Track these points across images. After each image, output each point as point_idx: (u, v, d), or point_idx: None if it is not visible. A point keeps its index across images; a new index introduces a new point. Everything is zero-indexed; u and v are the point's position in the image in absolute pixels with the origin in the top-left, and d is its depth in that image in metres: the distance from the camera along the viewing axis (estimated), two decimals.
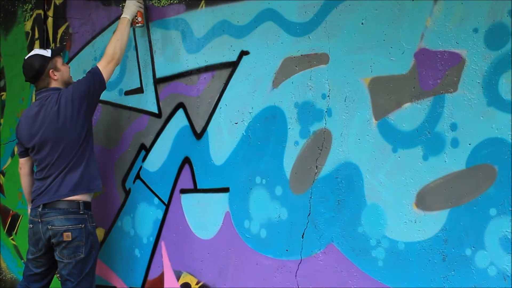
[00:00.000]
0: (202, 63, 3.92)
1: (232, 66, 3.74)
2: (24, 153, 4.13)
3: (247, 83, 3.66)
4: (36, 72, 3.90)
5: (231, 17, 3.75)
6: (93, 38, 4.70)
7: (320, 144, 3.31)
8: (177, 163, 4.07)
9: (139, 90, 4.35)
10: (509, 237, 2.66)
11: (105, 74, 3.96)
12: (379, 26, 3.09)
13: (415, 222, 2.96)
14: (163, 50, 4.18)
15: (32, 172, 4.18)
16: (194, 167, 3.97)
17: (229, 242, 3.76)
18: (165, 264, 4.19)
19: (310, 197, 3.35)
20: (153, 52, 4.24)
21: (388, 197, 3.05)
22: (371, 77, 3.12)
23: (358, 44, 3.17)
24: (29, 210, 4.09)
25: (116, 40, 4.00)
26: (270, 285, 3.55)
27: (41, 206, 3.87)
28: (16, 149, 5.60)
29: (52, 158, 3.87)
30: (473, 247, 2.77)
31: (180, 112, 4.07)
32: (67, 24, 4.99)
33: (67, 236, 3.80)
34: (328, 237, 3.29)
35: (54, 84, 3.96)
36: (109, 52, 3.99)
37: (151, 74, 4.25)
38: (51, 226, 3.82)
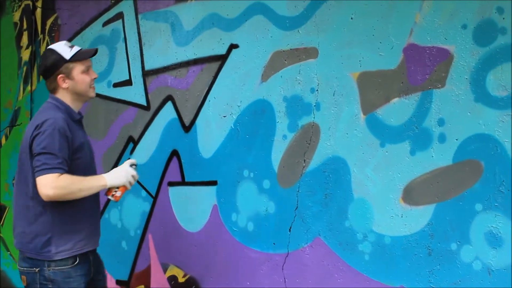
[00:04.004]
0: (191, 56, 3.92)
1: (221, 59, 3.74)
2: None
3: (236, 77, 3.66)
4: (44, 69, 3.21)
5: (221, 10, 3.75)
6: (82, 29, 4.68)
7: (308, 138, 3.32)
8: (165, 156, 4.07)
9: (128, 83, 4.35)
10: (494, 232, 2.68)
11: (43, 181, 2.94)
12: (368, 21, 3.09)
13: (402, 216, 2.97)
14: (152, 43, 4.17)
15: None
16: (182, 160, 3.97)
17: (216, 235, 3.77)
18: (152, 256, 4.19)
19: (298, 191, 3.36)
20: (142, 44, 4.24)
21: (375, 192, 3.06)
22: (359, 72, 3.13)
23: (347, 39, 3.17)
24: None
25: (72, 189, 2.97)
26: (257, 278, 3.55)
27: None
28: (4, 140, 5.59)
29: (16, 184, 3.22)
30: (459, 241, 2.79)
31: (169, 105, 4.06)
32: (56, 15, 4.97)
33: (23, 281, 3.14)
34: (315, 230, 3.30)
35: (61, 94, 3.19)
36: (60, 186, 2.93)
37: (140, 66, 4.25)
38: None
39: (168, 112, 4.07)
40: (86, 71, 3.22)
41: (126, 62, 4.35)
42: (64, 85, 3.17)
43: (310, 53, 3.32)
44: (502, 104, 2.66)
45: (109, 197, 3.17)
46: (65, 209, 3.08)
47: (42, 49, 5.08)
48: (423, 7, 2.91)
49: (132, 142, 4.31)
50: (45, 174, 2.93)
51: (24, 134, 3.14)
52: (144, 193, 4.19)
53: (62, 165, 2.97)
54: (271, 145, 3.48)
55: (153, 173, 4.13)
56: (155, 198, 4.14)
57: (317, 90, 3.28)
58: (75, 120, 3.19)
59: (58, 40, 4.85)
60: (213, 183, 3.79)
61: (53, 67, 3.16)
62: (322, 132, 3.26)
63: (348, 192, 3.16)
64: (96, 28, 4.58)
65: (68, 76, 3.17)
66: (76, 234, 3.12)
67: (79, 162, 3.10)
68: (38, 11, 5.14)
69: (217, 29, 3.77)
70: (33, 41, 5.20)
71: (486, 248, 2.71)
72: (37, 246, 3.06)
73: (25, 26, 5.32)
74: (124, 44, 4.36)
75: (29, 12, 5.25)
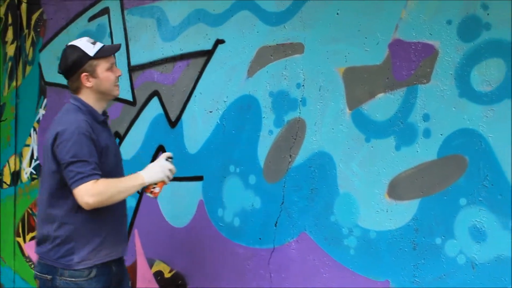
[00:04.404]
0: (177, 51, 3.91)
1: (208, 54, 3.74)
2: None
3: (222, 72, 3.66)
4: (66, 68, 3.00)
5: (207, 6, 3.75)
6: (68, 24, 4.66)
7: (294, 133, 3.32)
8: (151, 151, 4.06)
9: None
10: (478, 226, 2.70)
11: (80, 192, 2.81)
12: (354, 16, 3.10)
13: (387, 211, 2.99)
14: (138, 38, 4.16)
15: None
16: None
17: (203, 231, 3.77)
18: (138, 252, 4.18)
19: (284, 186, 3.37)
20: (128, 39, 4.23)
21: (361, 187, 3.07)
22: (345, 67, 3.13)
23: (333, 34, 3.18)
24: None
25: (111, 192, 2.86)
26: (243, 273, 3.56)
27: None
28: None
29: (40, 189, 3.10)
30: (443, 236, 2.81)
31: (155, 100, 4.06)
32: (41, 10, 4.95)
33: (36, 284, 3.07)
34: (301, 225, 3.31)
35: (84, 93, 3.03)
36: (96, 192, 2.81)
37: (126, 61, 4.24)
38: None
39: (154, 108, 4.06)
40: (110, 68, 3.04)
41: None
42: (88, 84, 2.99)
43: (296, 48, 3.32)
44: (486, 99, 2.68)
45: (148, 194, 3.06)
46: (89, 216, 2.93)
47: (27, 44, 5.05)
48: (409, 2, 2.92)
49: (118, 137, 4.30)
50: (82, 183, 2.79)
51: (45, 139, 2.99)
52: None
53: (96, 170, 2.84)
54: (257, 141, 3.49)
55: (139, 168, 4.08)
56: (141, 194, 4.13)
57: (303, 85, 3.29)
58: (99, 121, 3.04)
59: (43, 35, 4.83)
60: (199, 178, 3.79)
61: (76, 64, 2.97)
62: (308, 127, 3.27)
63: (333, 187, 3.17)
64: (81, 23, 4.56)
65: (92, 74, 2.99)
66: (99, 243, 2.98)
67: (101, 167, 2.93)
68: (23, 6, 5.11)
69: (203, 25, 3.76)
70: (18, 36, 5.18)
71: (470, 242, 2.72)
72: (57, 254, 2.93)
73: (10, 21, 5.29)
74: (110, 39, 4.35)
75: (14, 7, 5.23)
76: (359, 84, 3.08)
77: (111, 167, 3.06)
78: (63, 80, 4.59)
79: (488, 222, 2.67)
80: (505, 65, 2.62)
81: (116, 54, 4.25)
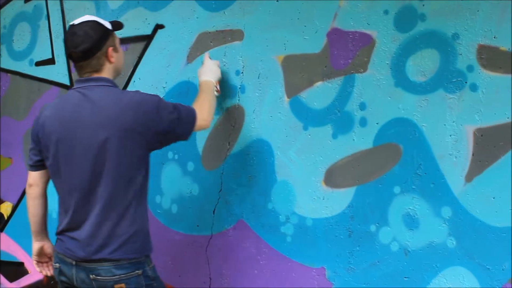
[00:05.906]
0: None
1: (147, 39, 3.69)
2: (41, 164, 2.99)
3: (161, 58, 3.62)
4: (92, 44, 2.66)
5: None
6: (3, 5, 4.53)
7: (233, 120, 3.31)
8: None
9: (51, 61, 4.24)
10: (411, 214, 2.75)
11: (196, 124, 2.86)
12: (294, 4, 3.10)
13: (323, 199, 3.02)
14: None
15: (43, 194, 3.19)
16: None
17: None
18: None
19: (222, 173, 3.36)
20: (66, 22, 4.14)
21: (298, 174, 3.09)
22: (284, 55, 3.14)
23: (273, 22, 3.18)
24: None
25: (210, 105, 3.01)
26: (181, 260, 3.55)
27: None
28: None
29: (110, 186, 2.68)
30: (378, 223, 2.85)
31: None
32: None
33: None
34: (238, 213, 3.31)
35: (106, 72, 2.74)
36: (205, 113, 2.93)
37: (63, 45, 4.15)
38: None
39: None
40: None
41: (49, 40, 4.24)
42: (112, 59, 2.75)
43: (235, 35, 3.31)
44: (421, 89, 2.72)
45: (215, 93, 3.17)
46: (144, 200, 2.78)
47: None
48: None
49: None
50: (194, 116, 2.84)
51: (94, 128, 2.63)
52: None
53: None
54: None
55: None
56: None
57: (242, 72, 3.28)
58: None
59: None
60: None
61: (102, 39, 2.69)
62: (247, 114, 3.26)
63: (271, 174, 3.18)
64: (18, 4, 4.44)
65: (115, 48, 2.78)
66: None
67: None
68: None
69: (142, 9, 3.71)
70: None
71: (403, 229, 2.78)
72: (140, 244, 2.73)
73: None
74: (47, 21, 4.25)
75: None
76: (298, 72, 3.09)
77: None
78: None
79: (421, 210, 2.73)
80: (439, 56, 2.67)
81: (53, 37, 4.20)
